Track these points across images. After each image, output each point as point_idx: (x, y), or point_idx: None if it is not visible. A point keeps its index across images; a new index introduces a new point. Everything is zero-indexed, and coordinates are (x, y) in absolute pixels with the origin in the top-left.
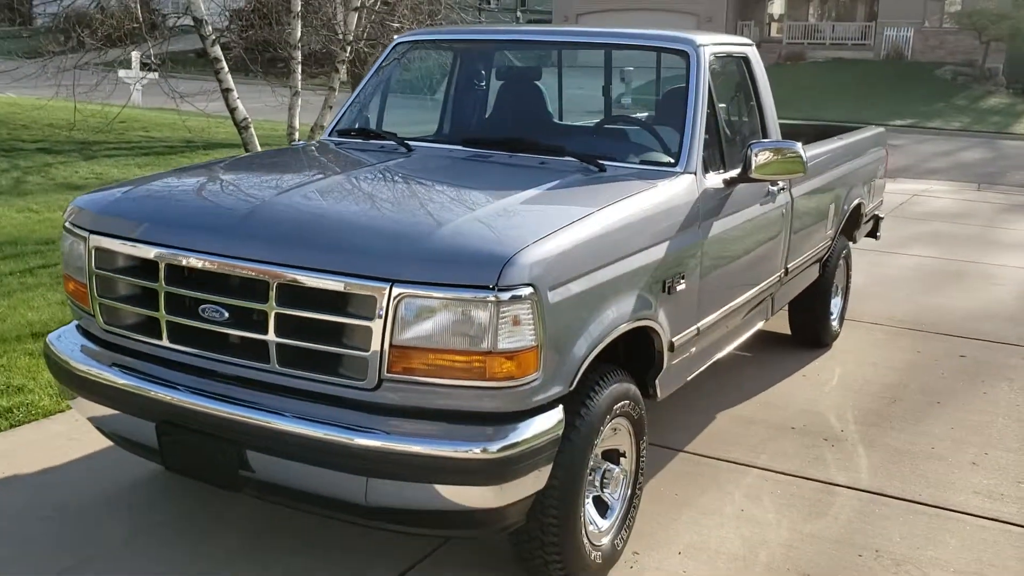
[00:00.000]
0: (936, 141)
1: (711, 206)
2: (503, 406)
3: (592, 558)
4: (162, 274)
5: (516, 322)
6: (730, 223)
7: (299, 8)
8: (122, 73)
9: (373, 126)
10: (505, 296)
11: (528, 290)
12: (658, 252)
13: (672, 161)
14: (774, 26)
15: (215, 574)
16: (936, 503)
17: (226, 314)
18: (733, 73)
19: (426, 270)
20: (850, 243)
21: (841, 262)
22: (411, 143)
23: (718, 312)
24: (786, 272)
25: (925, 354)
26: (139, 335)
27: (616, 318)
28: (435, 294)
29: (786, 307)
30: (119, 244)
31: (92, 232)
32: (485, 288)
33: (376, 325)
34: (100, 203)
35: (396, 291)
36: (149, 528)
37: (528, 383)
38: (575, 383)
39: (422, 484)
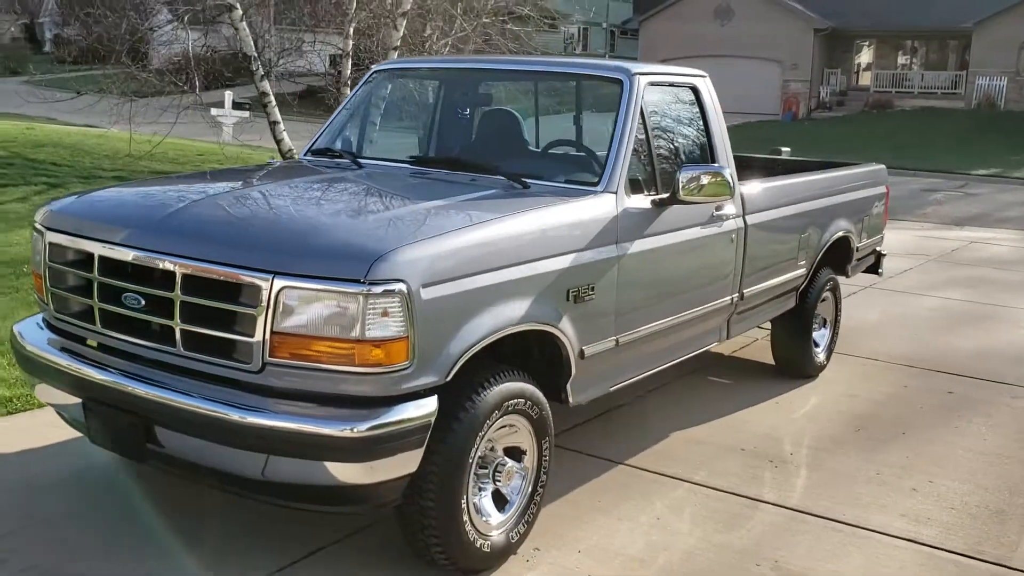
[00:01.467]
0: (1018, 191)
1: (633, 225)
2: (373, 391)
3: (478, 546)
4: (96, 265)
5: (385, 314)
6: (659, 242)
7: (350, 49)
8: (214, 112)
9: (351, 148)
10: (374, 289)
11: (398, 285)
12: (561, 263)
13: (595, 181)
14: (862, 74)
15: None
16: (856, 523)
17: (143, 301)
18: (680, 102)
19: (304, 264)
20: (837, 276)
21: (827, 294)
22: (363, 161)
23: (645, 327)
24: (741, 297)
25: (911, 389)
26: (79, 321)
27: (502, 320)
28: (312, 286)
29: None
30: (66, 239)
31: (48, 229)
32: (356, 282)
33: (260, 313)
34: (58, 205)
35: (278, 283)
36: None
37: (397, 371)
38: (451, 375)
39: (299, 460)
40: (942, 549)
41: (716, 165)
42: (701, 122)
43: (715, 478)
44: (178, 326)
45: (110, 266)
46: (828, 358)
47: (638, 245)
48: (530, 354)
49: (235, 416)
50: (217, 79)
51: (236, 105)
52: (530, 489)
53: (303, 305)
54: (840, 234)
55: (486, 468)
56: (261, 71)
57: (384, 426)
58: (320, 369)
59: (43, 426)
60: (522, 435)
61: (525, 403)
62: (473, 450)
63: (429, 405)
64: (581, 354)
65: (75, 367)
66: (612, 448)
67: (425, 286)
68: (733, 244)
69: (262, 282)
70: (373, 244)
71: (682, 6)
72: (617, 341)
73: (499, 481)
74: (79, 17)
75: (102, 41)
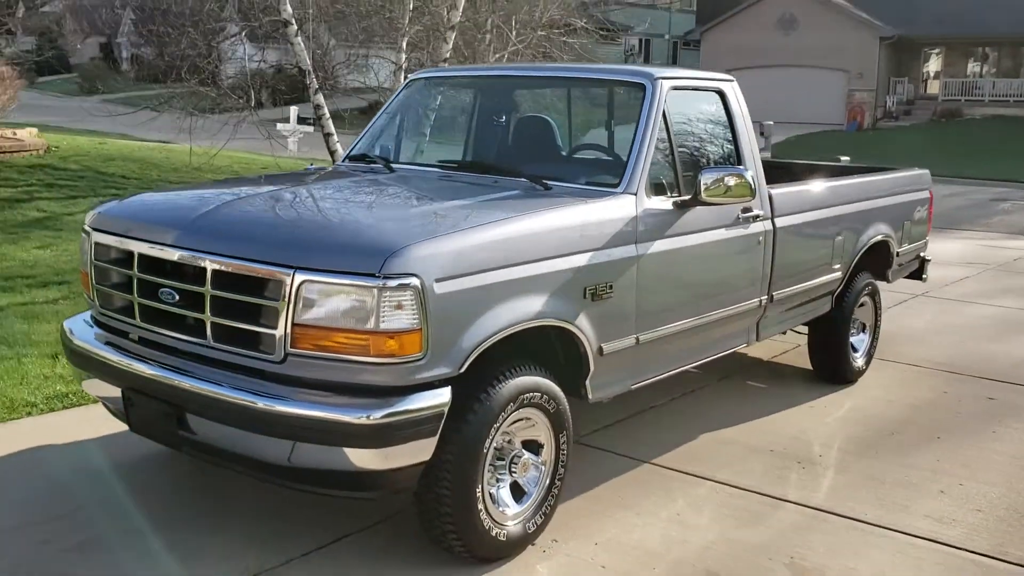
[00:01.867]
0: None
1: (653, 225)
2: (388, 380)
3: (494, 534)
4: (136, 263)
5: (399, 307)
6: (682, 243)
7: (403, 62)
8: (280, 126)
9: (386, 153)
10: (389, 283)
11: (411, 279)
12: (577, 261)
13: (615, 182)
14: (931, 83)
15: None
16: (878, 522)
17: (177, 296)
18: (707, 106)
19: (323, 259)
20: (876, 281)
21: (865, 299)
22: (396, 166)
23: (667, 326)
24: (771, 299)
25: (951, 395)
26: (121, 316)
27: (516, 315)
28: (330, 280)
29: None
30: (109, 239)
31: (94, 230)
32: (371, 275)
33: (282, 307)
34: (104, 208)
35: (299, 277)
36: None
37: (411, 362)
38: (464, 367)
39: (320, 446)
40: (964, 549)
41: (738, 167)
42: (727, 126)
43: (739, 477)
44: (208, 319)
45: (148, 263)
46: (867, 363)
47: (659, 245)
48: (549, 350)
49: (259, 404)
50: (282, 95)
51: (301, 120)
52: (548, 482)
53: (322, 298)
54: (878, 238)
55: (503, 460)
56: (315, 85)
57: (398, 414)
58: (338, 359)
59: (94, 419)
60: (539, 429)
61: (541, 397)
62: (488, 440)
63: (443, 395)
64: (600, 351)
65: (116, 359)
66: (639, 447)
67: (439, 280)
68: (761, 246)
69: (284, 277)
70: (388, 240)
71: (744, 16)
72: (637, 339)
73: (516, 473)
74: (151, 37)
75: (173, 59)
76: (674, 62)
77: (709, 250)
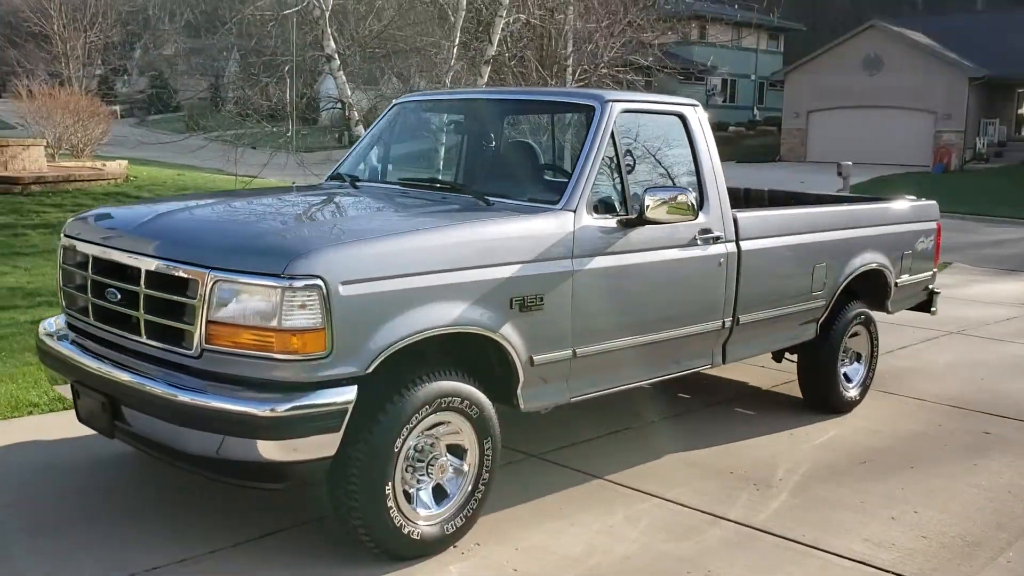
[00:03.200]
0: None
1: (594, 242)
2: (293, 376)
3: (406, 532)
4: (90, 265)
5: (303, 306)
6: (627, 260)
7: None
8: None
9: (356, 172)
10: (293, 283)
11: (315, 280)
12: (503, 272)
13: (556, 199)
14: None
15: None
16: (812, 543)
17: (119, 296)
18: (667, 129)
19: (236, 261)
20: (873, 311)
21: (858, 328)
22: (365, 184)
23: (611, 342)
24: (737, 322)
25: (945, 428)
26: (80, 315)
27: (429, 321)
28: (240, 279)
29: None
30: (71, 242)
31: (65, 236)
32: (276, 276)
33: (199, 305)
34: (77, 216)
35: (213, 277)
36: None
37: (314, 359)
38: (372, 368)
39: (233, 438)
40: (891, 572)
41: (681, 188)
42: (689, 150)
43: (689, 495)
44: (142, 317)
45: (98, 266)
46: (862, 394)
47: (599, 262)
48: (484, 358)
49: (177, 396)
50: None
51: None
52: (470, 486)
53: (233, 297)
54: (869, 267)
55: (423, 461)
56: (356, 117)
57: (301, 408)
58: (247, 355)
59: None
60: (463, 434)
61: (462, 402)
62: (399, 440)
63: (347, 393)
64: (531, 361)
65: (66, 353)
66: (599, 464)
67: (345, 283)
68: (722, 268)
69: (200, 276)
70: (296, 244)
71: (829, 56)
72: (575, 352)
73: (433, 475)
74: (253, 79)
75: (272, 102)
76: (760, 102)
77: (659, 269)
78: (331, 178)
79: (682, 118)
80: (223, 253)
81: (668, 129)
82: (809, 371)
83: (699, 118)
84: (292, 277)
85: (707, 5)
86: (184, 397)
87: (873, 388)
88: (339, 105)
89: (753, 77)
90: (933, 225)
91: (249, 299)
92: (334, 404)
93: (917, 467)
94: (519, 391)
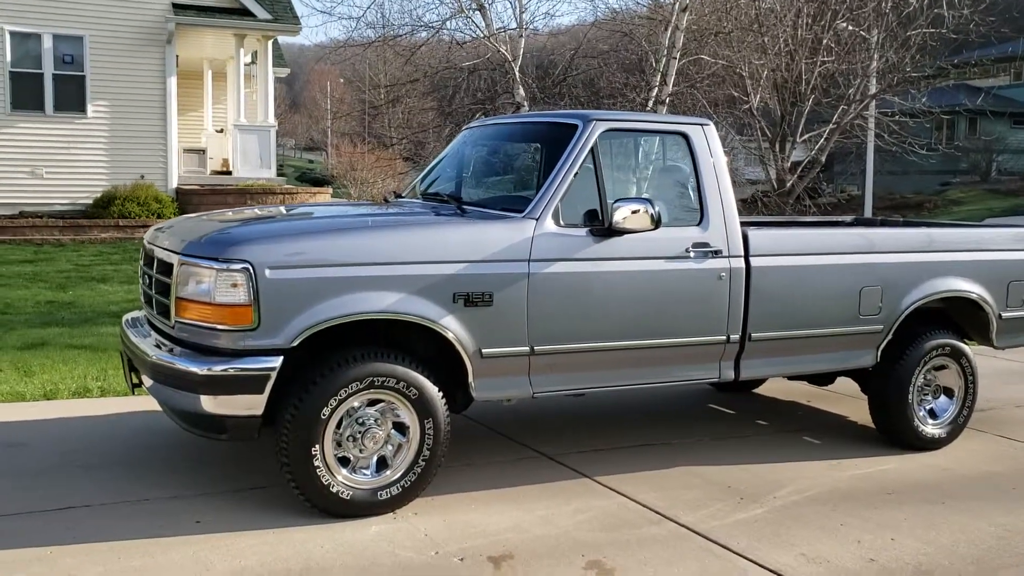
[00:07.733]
0: None
1: (555, 248)
2: (227, 344)
3: (335, 491)
4: (152, 262)
5: (234, 285)
6: (596, 267)
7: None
8: None
9: (406, 192)
10: (229, 266)
11: (244, 264)
12: (448, 269)
13: (521, 208)
14: None
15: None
16: (739, 551)
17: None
18: (666, 149)
19: (195, 248)
20: (954, 342)
21: (945, 360)
22: (399, 200)
23: (577, 344)
24: (748, 338)
25: None
26: (144, 303)
27: (363, 307)
28: (193, 263)
29: None
30: (146, 246)
31: (144, 242)
32: (214, 259)
33: (172, 284)
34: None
35: (180, 260)
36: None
37: (242, 330)
38: (297, 342)
39: (180, 390)
40: None
41: (643, 201)
42: (692, 166)
43: (656, 499)
44: (153, 296)
45: (148, 260)
46: (952, 434)
47: (562, 267)
48: (433, 347)
49: (150, 356)
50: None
51: None
52: (410, 460)
53: (188, 277)
54: (950, 295)
55: (362, 429)
56: None
57: (230, 370)
58: (197, 326)
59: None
60: (405, 413)
61: (398, 383)
62: (326, 409)
63: (271, 362)
64: (479, 353)
65: (123, 330)
66: (602, 467)
67: (272, 268)
68: (724, 283)
69: (173, 260)
70: (236, 236)
71: None
72: (532, 349)
73: (367, 445)
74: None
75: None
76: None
77: (635, 278)
78: (394, 194)
79: (685, 137)
80: (189, 243)
81: (668, 149)
82: (876, 403)
83: (706, 137)
84: (227, 260)
85: None
86: (155, 358)
87: (990, 432)
88: None
89: None
90: None
91: (197, 279)
92: (258, 370)
93: (949, 503)
94: (471, 380)
